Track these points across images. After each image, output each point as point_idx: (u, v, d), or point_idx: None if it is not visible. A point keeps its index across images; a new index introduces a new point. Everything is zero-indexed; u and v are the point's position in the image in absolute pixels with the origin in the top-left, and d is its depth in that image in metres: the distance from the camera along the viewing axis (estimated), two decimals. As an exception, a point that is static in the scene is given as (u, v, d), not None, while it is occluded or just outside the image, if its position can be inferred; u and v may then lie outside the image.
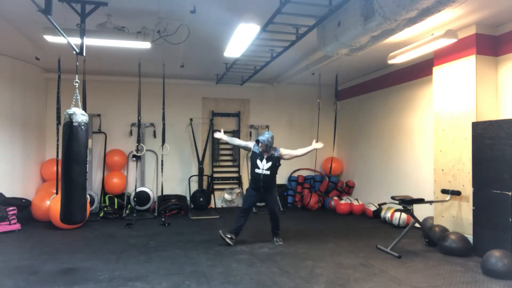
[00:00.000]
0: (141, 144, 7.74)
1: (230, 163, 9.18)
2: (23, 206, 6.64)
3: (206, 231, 6.34)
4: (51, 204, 6.31)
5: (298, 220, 7.43)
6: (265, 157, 5.33)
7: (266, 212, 5.24)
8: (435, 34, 4.98)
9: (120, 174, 8.17)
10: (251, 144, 5.52)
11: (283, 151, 5.45)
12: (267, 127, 9.32)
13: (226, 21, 4.98)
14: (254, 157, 5.40)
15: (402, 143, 7.29)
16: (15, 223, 6.12)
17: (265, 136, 5.35)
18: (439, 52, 5.73)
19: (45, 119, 8.12)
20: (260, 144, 5.33)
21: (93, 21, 4.55)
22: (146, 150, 8.28)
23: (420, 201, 5.33)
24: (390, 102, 7.64)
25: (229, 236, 5.35)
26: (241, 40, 4.98)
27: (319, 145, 5.55)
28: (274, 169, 5.35)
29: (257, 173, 5.33)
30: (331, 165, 8.82)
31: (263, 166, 5.30)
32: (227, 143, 6.02)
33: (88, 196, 6.57)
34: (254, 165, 5.36)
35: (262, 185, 5.33)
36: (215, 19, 4.97)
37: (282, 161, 5.48)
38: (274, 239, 5.52)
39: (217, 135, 5.77)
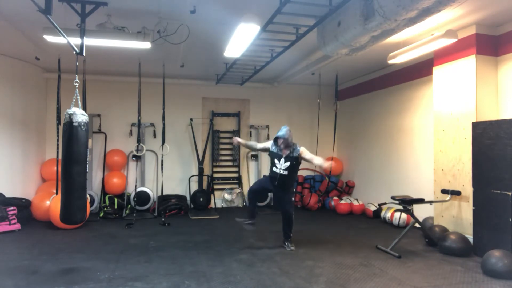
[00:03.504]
0: (141, 144, 7.74)
1: (230, 163, 9.18)
2: (23, 206, 6.63)
3: (206, 231, 6.34)
4: (51, 204, 6.31)
5: (298, 220, 7.37)
6: (283, 156, 5.07)
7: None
8: (435, 34, 4.99)
9: (120, 174, 8.17)
10: (268, 144, 5.37)
11: (304, 151, 5.08)
12: (267, 127, 9.32)
13: (226, 21, 4.98)
14: (272, 156, 5.22)
15: (402, 143, 7.29)
16: (15, 223, 6.12)
17: (283, 131, 5.08)
18: (439, 52, 5.73)
19: (45, 119, 8.12)
20: (281, 140, 5.07)
21: (93, 21, 4.55)
22: (146, 150, 8.28)
23: (420, 201, 5.33)
24: (390, 102, 7.64)
25: (250, 222, 5.34)
26: (241, 40, 4.98)
27: (327, 164, 4.99)
28: (292, 169, 5.08)
29: (275, 172, 5.13)
30: (331, 165, 8.81)
31: (281, 166, 5.07)
32: (247, 147, 5.70)
33: (88, 196, 6.56)
34: (273, 165, 5.18)
35: (278, 184, 5.13)
36: (215, 19, 4.97)
37: None
38: (286, 243, 5.27)
39: (236, 140, 5.57)
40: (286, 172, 5.07)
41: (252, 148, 5.63)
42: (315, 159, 5.06)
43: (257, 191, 5.46)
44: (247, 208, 5.49)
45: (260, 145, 5.58)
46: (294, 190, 5.53)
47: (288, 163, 5.06)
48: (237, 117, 9.27)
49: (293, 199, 5.42)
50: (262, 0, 4.38)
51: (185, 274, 4.18)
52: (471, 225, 5.08)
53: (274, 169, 5.15)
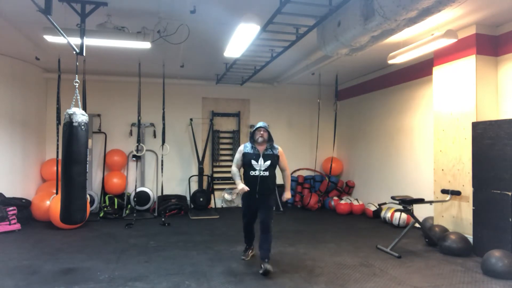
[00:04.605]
0: (141, 144, 7.74)
1: (230, 163, 9.14)
2: (23, 206, 6.64)
3: (206, 231, 6.34)
4: (51, 204, 6.31)
5: (298, 220, 7.42)
6: (261, 154, 4.41)
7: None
8: (435, 34, 4.98)
9: (120, 174, 8.17)
10: (239, 150, 4.58)
11: (283, 154, 4.60)
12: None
13: (226, 21, 4.98)
14: (247, 159, 4.44)
15: (402, 143, 7.29)
16: (15, 223, 6.12)
17: (262, 122, 4.52)
18: (439, 52, 5.73)
19: (45, 119, 8.12)
20: (261, 132, 4.42)
21: (93, 21, 4.55)
22: (146, 150, 8.28)
23: (420, 201, 5.33)
24: (390, 102, 7.64)
25: (251, 254, 4.84)
26: (241, 40, 4.98)
27: (288, 194, 4.68)
28: (272, 168, 4.45)
29: (253, 176, 4.38)
30: (331, 165, 8.82)
31: (260, 166, 4.37)
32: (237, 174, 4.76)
33: (88, 196, 6.56)
34: (249, 167, 4.42)
35: (259, 190, 4.36)
36: (215, 19, 4.97)
37: None
38: (262, 265, 4.20)
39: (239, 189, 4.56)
40: (266, 173, 4.39)
41: (238, 171, 4.68)
42: (287, 172, 4.71)
43: (250, 220, 4.67)
44: (246, 238, 4.84)
45: (236, 161, 4.65)
46: (276, 194, 4.87)
47: (268, 162, 4.40)
48: (237, 117, 9.27)
49: (273, 206, 4.63)
50: (262, 0, 4.37)
51: (185, 274, 4.18)
52: (471, 225, 5.08)
53: (252, 172, 4.40)
